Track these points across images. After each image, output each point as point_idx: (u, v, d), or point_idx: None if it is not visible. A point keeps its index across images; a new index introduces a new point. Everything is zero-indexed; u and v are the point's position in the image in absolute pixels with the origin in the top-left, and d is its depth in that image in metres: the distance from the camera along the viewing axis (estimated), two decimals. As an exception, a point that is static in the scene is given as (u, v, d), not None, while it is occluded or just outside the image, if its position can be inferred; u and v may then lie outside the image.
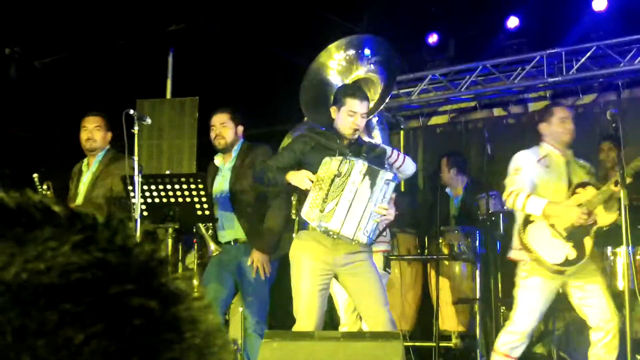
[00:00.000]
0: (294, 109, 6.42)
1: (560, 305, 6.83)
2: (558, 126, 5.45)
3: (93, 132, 5.90)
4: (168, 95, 8.82)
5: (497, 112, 9.15)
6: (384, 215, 4.65)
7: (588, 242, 5.11)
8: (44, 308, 0.61)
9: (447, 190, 7.85)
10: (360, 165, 4.58)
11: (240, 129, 5.77)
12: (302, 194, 4.71)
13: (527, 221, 5.36)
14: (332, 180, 4.56)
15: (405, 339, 6.16)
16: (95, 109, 6.17)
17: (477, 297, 6.89)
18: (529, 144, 8.70)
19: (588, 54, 8.12)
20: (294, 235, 4.89)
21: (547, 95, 8.80)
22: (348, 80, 5.78)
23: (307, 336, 3.95)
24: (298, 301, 4.66)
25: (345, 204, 4.53)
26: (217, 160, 5.82)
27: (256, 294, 5.54)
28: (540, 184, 5.37)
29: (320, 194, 4.56)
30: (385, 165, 4.90)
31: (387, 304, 4.65)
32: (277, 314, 6.21)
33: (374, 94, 5.53)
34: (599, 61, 8.23)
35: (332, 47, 5.77)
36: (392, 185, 4.65)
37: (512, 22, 8.69)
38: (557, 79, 8.33)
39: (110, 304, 0.62)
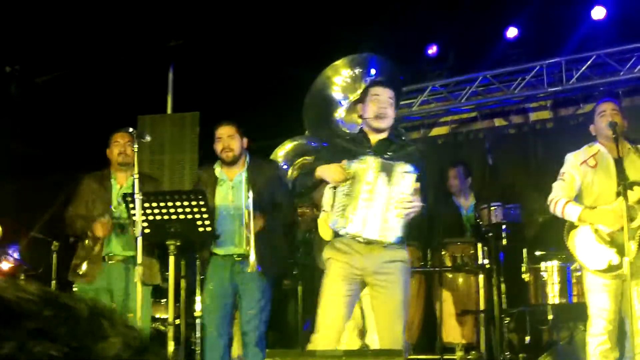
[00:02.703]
0: (294, 122, 6.43)
1: (564, 315, 6.82)
2: (598, 122, 5.36)
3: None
4: (169, 111, 8.84)
5: (498, 122, 9.14)
6: (408, 208, 4.44)
7: (628, 245, 4.86)
8: None
9: (454, 200, 7.83)
10: (372, 163, 4.45)
11: (246, 141, 5.76)
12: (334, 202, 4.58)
13: (571, 226, 5.31)
14: (351, 184, 4.45)
15: (409, 352, 6.14)
16: (96, 126, 6.18)
17: (481, 308, 6.87)
18: (531, 154, 8.76)
19: (588, 63, 8.13)
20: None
21: (548, 104, 8.80)
22: (352, 98, 5.79)
23: (309, 355, 3.94)
24: (325, 308, 4.55)
25: (363, 204, 4.41)
26: (218, 170, 5.75)
27: (257, 308, 5.51)
28: (586, 187, 5.30)
29: (343, 199, 4.46)
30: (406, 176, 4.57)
31: (404, 320, 4.53)
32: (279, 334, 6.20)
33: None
34: (599, 70, 8.24)
35: (338, 63, 5.78)
36: (412, 176, 4.44)
37: (512, 32, 8.70)
38: (557, 88, 8.34)
39: None
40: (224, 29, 8.51)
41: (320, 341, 4.46)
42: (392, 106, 4.73)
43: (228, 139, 5.67)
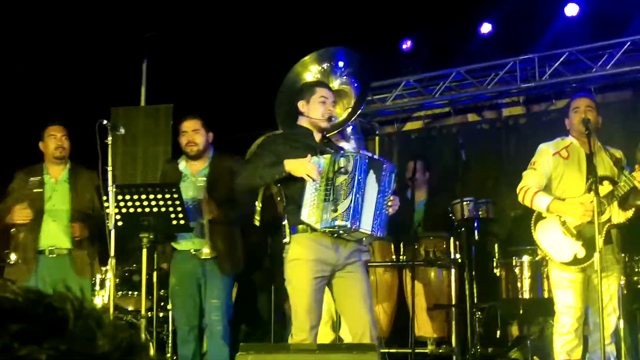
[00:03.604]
0: (268, 116, 6.42)
1: (534, 310, 6.89)
2: (572, 117, 5.40)
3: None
4: (142, 103, 8.78)
5: (471, 117, 9.19)
6: (394, 206, 4.67)
7: (599, 239, 4.88)
8: None
9: (408, 193, 7.84)
10: (363, 160, 4.52)
11: (211, 135, 5.76)
12: (288, 197, 4.61)
13: (538, 217, 5.35)
14: (333, 179, 4.46)
15: (380, 346, 6.17)
16: (69, 118, 6.13)
17: (453, 303, 6.91)
18: (504, 149, 8.82)
19: (561, 60, 8.18)
20: (285, 240, 4.64)
21: (521, 100, 8.86)
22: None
23: (282, 348, 3.95)
24: (298, 303, 4.56)
25: (359, 200, 4.46)
26: (182, 165, 5.74)
27: (221, 300, 5.51)
28: (555, 177, 5.34)
29: (319, 194, 4.47)
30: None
31: (371, 310, 4.61)
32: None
33: (347, 105, 5.55)
34: (572, 66, 8.30)
35: (306, 59, 5.76)
36: (394, 175, 4.69)
37: (486, 28, 8.74)
38: (530, 84, 8.39)
39: None
40: (199, 20, 8.48)
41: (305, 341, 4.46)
42: (334, 106, 4.88)
43: (192, 133, 5.68)
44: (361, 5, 8.42)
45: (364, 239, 4.72)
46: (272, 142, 4.81)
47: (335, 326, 5.61)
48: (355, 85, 5.62)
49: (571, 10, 8.28)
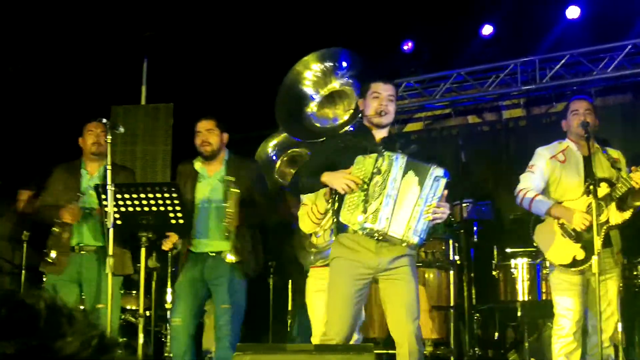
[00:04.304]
0: (268, 115, 6.42)
1: (533, 312, 6.89)
2: (571, 119, 5.39)
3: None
4: (143, 102, 8.79)
5: (472, 119, 9.19)
6: (437, 214, 4.38)
7: (597, 241, 4.87)
8: None
9: None
10: (399, 161, 4.34)
11: (226, 136, 5.73)
12: (338, 196, 4.47)
13: (537, 220, 5.35)
14: (370, 179, 4.33)
15: (378, 347, 6.17)
16: (70, 116, 6.14)
17: (452, 304, 6.92)
18: (504, 151, 8.82)
19: (562, 62, 8.19)
20: (332, 238, 4.60)
21: (521, 102, 8.86)
22: (323, 92, 5.77)
23: (279, 349, 3.94)
24: (332, 310, 4.44)
25: (390, 202, 4.30)
26: (198, 165, 5.74)
27: (231, 303, 5.50)
28: (553, 181, 5.34)
29: (358, 195, 4.33)
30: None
31: (416, 318, 4.42)
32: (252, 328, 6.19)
33: (348, 106, 5.54)
34: (572, 69, 8.31)
35: (308, 58, 5.76)
36: (443, 181, 4.38)
37: (487, 30, 8.75)
38: (531, 86, 8.41)
39: None
40: (199, 19, 8.48)
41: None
42: (393, 102, 4.67)
43: (207, 132, 5.66)
44: (362, 6, 8.43)
45: (405, 244, 4.42)
46: (326, 143, 4.72)
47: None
48: (357, 87, 5.61)
49: (572, 12, 8.29)
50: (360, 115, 4.82)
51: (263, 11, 8.38)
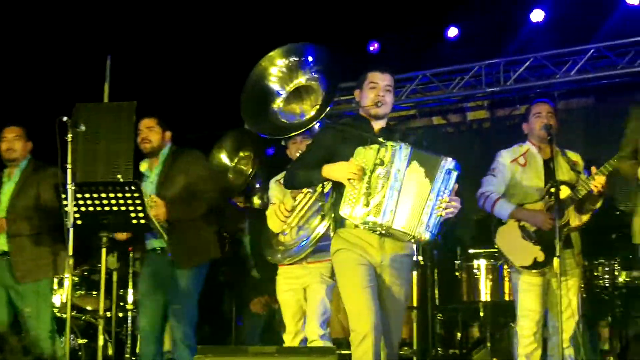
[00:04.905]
0: (232, 113, 6.38)
1: (495, 312, 6.93)
2: (533, 122, 5.41)
3: (13, 143, 5.82)
4: (106, 100, 8.69)
5: (436, 120, 9.23)
6: (449, 209, 4.20)
7: (557, 243, 4.86)
8: None
9: None
10: (403, 151, 4.13)
11: (168, 134, 5.69)
12: (336, 190, 4.29)
13: (499, 223, 5.36)
14: (372, 171, 4.10)
15: (343, 347, 6.15)
16: (32, 114, 6.07)
17: (415, 305, 6.92)
18: (468, 153, 8.85)
19: (526, 65, 8.26)
20: (331, 234, 4.40)
21: (485, 104, 8.92)
22: (289, 88, 5.73)
23: (240, 351, 3.90)
24: (352, 301, 4.15)
25: (394, 194, 4.09)
26: (143, 166, 5.71)
27: (184, 302, 5.43)
28: (513, 184, 5.35)
29: (359, 188, 4.11)
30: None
31: (398, 318, 4.28)
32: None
33: (315, 101, 5.47)
34: (536, 72, 8.37)
35: (273, 53, 5.71)
36: (455, 174, 4.22)
37: (452, 32, 8.79)
38: (495, 88, 8.46)
39: None
40: (164, 18, 8.43)
41: (367, 340, 4.02)
42: (391, 92, 4.50)
43: (147, 130, 5.65)
44: (328, 6, 8.42)
45: (410, 241, 4.26)
46: (324, 134, 4.51)
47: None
48: (324, 82, 5.56)
49: (537, 16, 8.36)
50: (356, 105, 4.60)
51: (228, 10, 8.34)
